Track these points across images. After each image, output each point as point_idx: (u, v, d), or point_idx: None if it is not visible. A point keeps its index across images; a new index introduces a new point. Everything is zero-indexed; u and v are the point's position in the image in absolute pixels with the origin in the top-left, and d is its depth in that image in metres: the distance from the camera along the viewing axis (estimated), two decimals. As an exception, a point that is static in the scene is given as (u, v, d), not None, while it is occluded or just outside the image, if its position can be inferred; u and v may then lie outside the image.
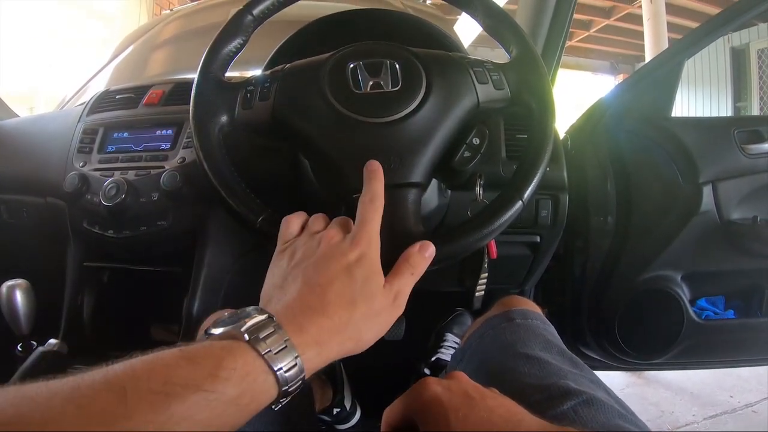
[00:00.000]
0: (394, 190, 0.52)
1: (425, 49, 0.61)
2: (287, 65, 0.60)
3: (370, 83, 0.57)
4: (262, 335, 0.36)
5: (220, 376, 0.33)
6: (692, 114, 6.55)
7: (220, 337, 0.37)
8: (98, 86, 1.44)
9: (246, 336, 0.36)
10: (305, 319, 0.40)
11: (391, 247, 0.48)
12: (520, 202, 0.53)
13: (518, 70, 0.60)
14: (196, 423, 0.31)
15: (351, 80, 0.57)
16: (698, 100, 6.46)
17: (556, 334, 0.63)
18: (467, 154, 0.60)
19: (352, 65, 0.58)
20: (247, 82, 0.59)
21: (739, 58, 5.89)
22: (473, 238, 0.52)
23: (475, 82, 0.58)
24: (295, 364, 0.36)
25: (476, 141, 0.60)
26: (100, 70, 1.48)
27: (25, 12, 3.83)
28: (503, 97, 0.59)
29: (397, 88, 0.56)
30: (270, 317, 0.38)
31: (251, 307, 0.40)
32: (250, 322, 0.37)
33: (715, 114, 6.28)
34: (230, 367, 0.33)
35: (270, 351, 0.36)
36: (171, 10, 1.92)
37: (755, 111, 5.68)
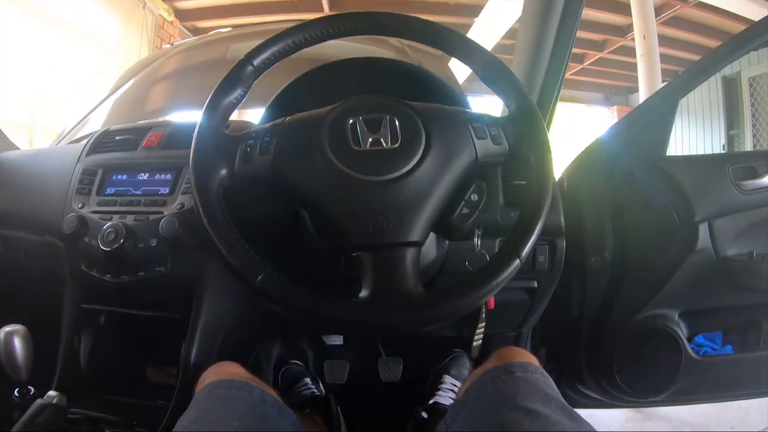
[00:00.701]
0: (392, 249, 0.52)
1: (424, 104, 0.62)
2: (288, 118, 0.61)
3: (370, 140, 0.57)
4: None
5: None
6: (687, 142, 6.61)
7: None
8: (98, 119, 1.45)
9: None
10: None
11: (390, 309, 0.48)
12: (518, 261, 0.54)
13: (516, 125, 0.61)
14: None
15: (351, 137, 0.57)
16: (692, 128, 6.52)
17: (556, 388, 0.63)
18: (465, 210, 0.60)
19: (351, 121, 0.58)
20: (247, 135, 0.59)
21: (730, 86, 5.96)
22: (471, 298, 0.52)
23: (474, 137, 0.59)
24: None
25: (474, 197, 0.60)
26: (99, 104, 1.49)
27: (25, 38, 3.86)
28: (502, 152, 0.60)
29: (396, 145, 0.57)
30: None
31: None
32: None
33: (708, 141, 6.32)
34: None
35: None
36: (171, 44, 1.93)
37: (748, 138, 5.72)
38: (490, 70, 0.64)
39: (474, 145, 0.59)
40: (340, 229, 0.54)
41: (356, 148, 0.57)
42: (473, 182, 0.61)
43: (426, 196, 0.55)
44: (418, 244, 0.55)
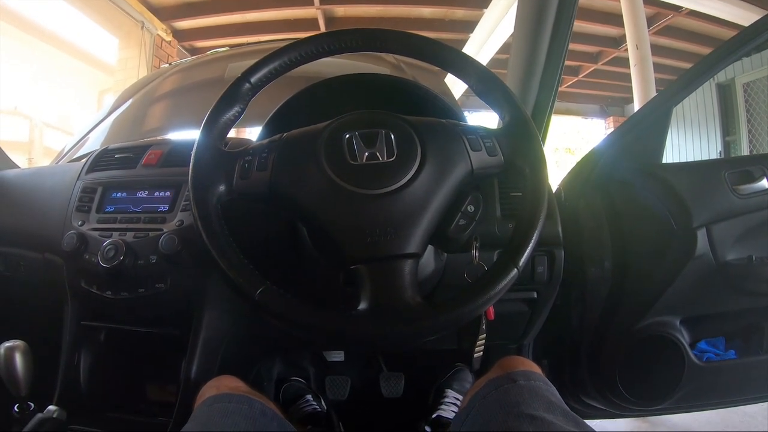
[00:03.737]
0: (390, 261, 0.52)
1: (419, 117, 0.62)
2: (285, 134, 0.62)
3: (366, 154, 0.58)
4: None
5: None
6: (684, 150, 6.62)
7: None
8: (97, 138, 1.46)
9: None
10: None
11: (388, 321, 0.48)
12: (515, 270, 0.54)
13: (511, 136, 0.61)
14: None
15: (347, 151, 0.58)
16: (689, 136, 6.54)
17: (559, 395, 0.63)
18: (462, 222, 0.60)
19: (347, 136, 0.59)
20: (245, 151, 0.60)
21: (725, 93, 5.98)
22: (470, 308, 0.52)
23: (469, 149, 0.59)
24: None
25: (471, 208, 0.61)
26: (99, 123, 1.50)
27: (25, 59, 3.90)
28: (497, 164, 0.60)
29: (392, 159, 0.57)
30: None
31: None
32: None
33: (705, 148, 6.34)
34: None
35: None
36: (170, 63, 1.95)
37: (744, 144, 5.72)
38: (484, 83, 0.65)
39: (469, 157, 0.59)
40: (337, 243, 0.55)
41: (352, 162, 0.57)
42: (469, 194, 0.61)
43: (422, 209, 0.56)
44: (416, 256, 0.55)
